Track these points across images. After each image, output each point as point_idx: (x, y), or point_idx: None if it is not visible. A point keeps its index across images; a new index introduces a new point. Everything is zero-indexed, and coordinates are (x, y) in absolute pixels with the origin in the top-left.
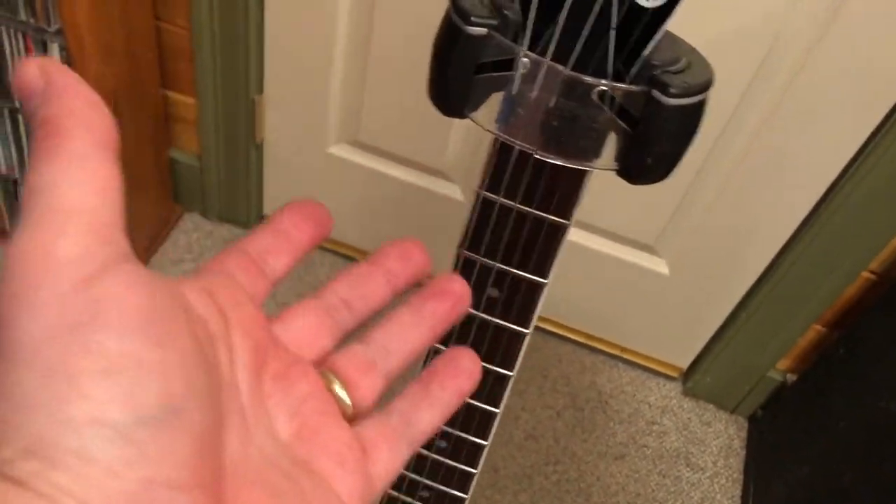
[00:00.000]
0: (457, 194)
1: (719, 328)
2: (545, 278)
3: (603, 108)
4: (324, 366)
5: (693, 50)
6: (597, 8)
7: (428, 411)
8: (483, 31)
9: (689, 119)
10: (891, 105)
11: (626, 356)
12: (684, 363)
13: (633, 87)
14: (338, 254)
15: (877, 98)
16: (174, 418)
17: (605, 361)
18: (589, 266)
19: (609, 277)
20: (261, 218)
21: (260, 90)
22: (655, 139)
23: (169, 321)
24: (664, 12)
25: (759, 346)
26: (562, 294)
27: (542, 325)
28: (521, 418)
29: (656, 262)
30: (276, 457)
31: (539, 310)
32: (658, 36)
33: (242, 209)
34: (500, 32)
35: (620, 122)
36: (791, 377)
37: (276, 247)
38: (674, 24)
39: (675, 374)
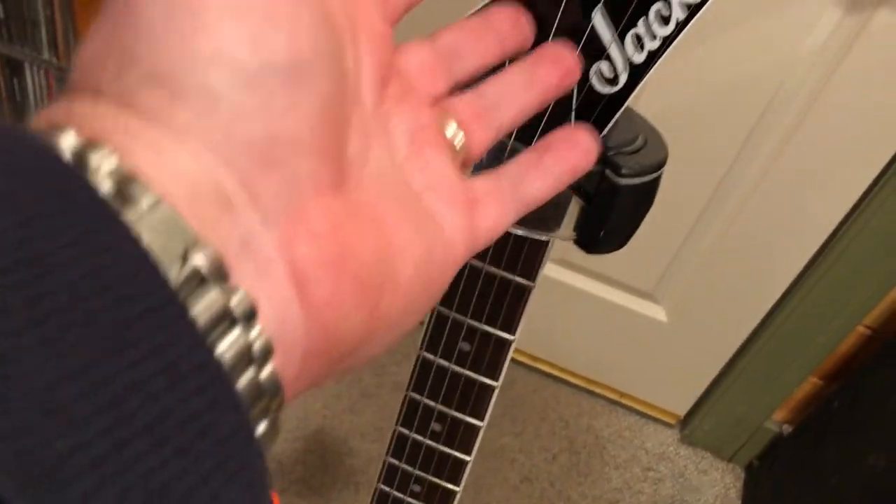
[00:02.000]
0: None
1: (717, 377)
2: (512, 335)
3: None
4: (441, 105)
5: (651, 128)
6: None
7: (540, 181)
8: None
9: (641, 197)
10: (888, 159)
11: (624, 401)
12: (682, 410)
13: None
14: None
15: (874, 152)
16: (301, 75)
17: (604, 406)
18: (588, 311)
19: (608, 323)
20: None
21: None
22: (609, 215)
23: None
24: (620, 98)
25: (755, 395)
26: (561, 337)
27: (541, 367)
28: (517, 461)
29: (655, 310)
30: (393, 174)
31: (507, 363)
32: (614, 119)
33: None
34: None
35: (577, 198)
36: (787, 428)
37: (473, 48)
38: (635, 100)
39: (672, 421)
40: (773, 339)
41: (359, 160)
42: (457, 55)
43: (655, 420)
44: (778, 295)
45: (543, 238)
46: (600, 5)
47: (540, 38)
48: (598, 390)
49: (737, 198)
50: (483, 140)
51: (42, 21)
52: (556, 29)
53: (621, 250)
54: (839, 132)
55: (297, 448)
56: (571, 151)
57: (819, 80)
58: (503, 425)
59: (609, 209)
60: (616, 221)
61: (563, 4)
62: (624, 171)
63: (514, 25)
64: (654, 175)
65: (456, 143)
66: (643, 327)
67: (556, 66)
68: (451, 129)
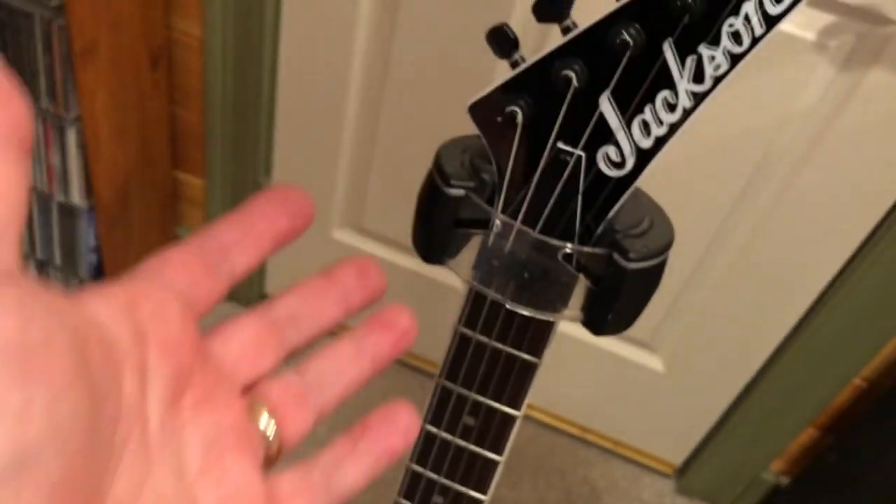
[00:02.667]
0: (459, 282)
1: (713, 427)
2: (518, 410)
3: (568, 267)
4: (256, 392)
5: (657, 209)
6: (565, 175)
7: (354, 469)
8: (461, 192)
9: (648, 280)
10: (881, 215)
11: (620, 450)
12: (678, 460)
13: (596, 250)
14: (334, 334)
15: (868, 208)
16: (22, 470)
17: (600, 455)
18: (585, 359)
19: (604, 372)
20: (262, 297)
21: (268, 172)
22: (616, 297)
23: (42, 354)
24: (627, 180)
25: (752, 446)
26: (557, 386)
27: (537, 415)
28: None
29: (652, 359)
30: (176, 499)
31: (513, 438)
32: (621, 201)
33: (244, 288)
34: (477, 193)
35: (585, 280)
36: (784, 480)
37: (242, 240)
38: (644, 181)
39: (669, 471)
40: (769, 389)
41: (129, 497)
42: (294, 321)
43: (652, 470)
44: (774, 346)
45: (549, 319)
46: (608, 91)
47: (546, 128)
48: (594, 439)
49: (732, 250)
50: (301, 426)
51: (41, 70)
52: (564, 114)
53: None
54: (833, 188)
55: None
56: (389, 434)
57: (812, 137)
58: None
59: (617, 293)
60: (623, 304)
61: (571, 90)
62: (632, 255)
63: (360, 279)
64: (661, 258)
65: (268, 433)
66: (640, 377)
67: (389, 333)
68: (264, 420)
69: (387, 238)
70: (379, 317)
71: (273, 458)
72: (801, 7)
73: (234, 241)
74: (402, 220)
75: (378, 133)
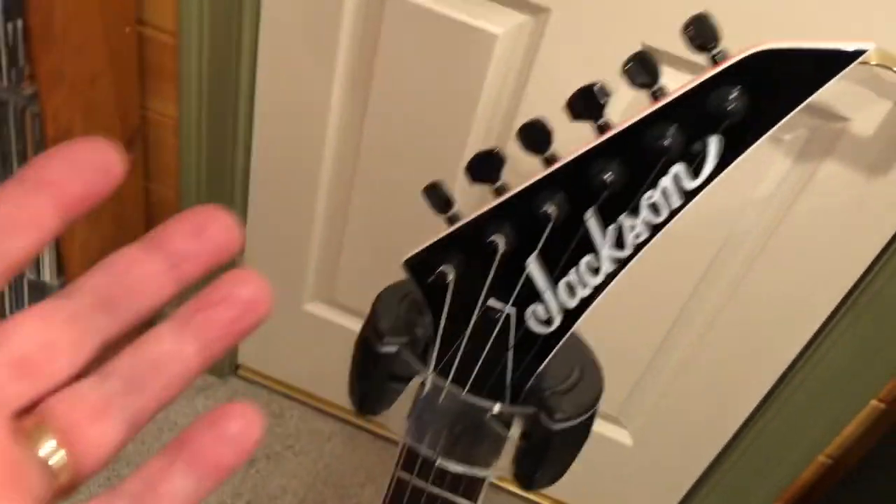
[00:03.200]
0: None
1: (681, 500)
2: None
3: (497, 425)
4: (39, 411)
5: (587, 356)
6: (495, 332)
7: (170, 493)
8: (393, 349)
9: (576, 436)
10: (840, 297)
11: None
12: None
13: (522, 410)
14: (308, 405)
15: (827, 290)
16: None
17: None
18: None
19: None
20: (236, 367)
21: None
22: (544, 456)
23: None
24: (555, 338)
25: None
26: None
27: (509, 487)
28: None
29: (619, 433)
30: None
31: None
32: (549, 357)
33: (216, 362)
34: (411, 347)
35: (513, 438)
36: None
37: (14, 218)
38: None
39: None
40: (736, 464)
41: None
42: (106, 305)
43: None
44: (740, 422)
45: (479, 475)
46: (535, 254)
47: (477, 283)
48: None
49: (697, 327)
50: (103, 444)
51: (14, 155)
52: (494, 274)
53: None
54: (793, 269)
55: None
56: (216, 446)
57: (770, 222)
58: None
59: (545, 451)
60: (552, 461)
61: (499, 256)
62: (558, 415)
63: (196, 237)
64: (588, 415)
65: (53, 462)
66: (609, 450)
67: (224, 308)
68: (46, 447)
69: (360, 311)
70: (212, 290)
71: (65, 490)
72: None
73: (5, 220)
74: (375, 292)
75: (350, 207)
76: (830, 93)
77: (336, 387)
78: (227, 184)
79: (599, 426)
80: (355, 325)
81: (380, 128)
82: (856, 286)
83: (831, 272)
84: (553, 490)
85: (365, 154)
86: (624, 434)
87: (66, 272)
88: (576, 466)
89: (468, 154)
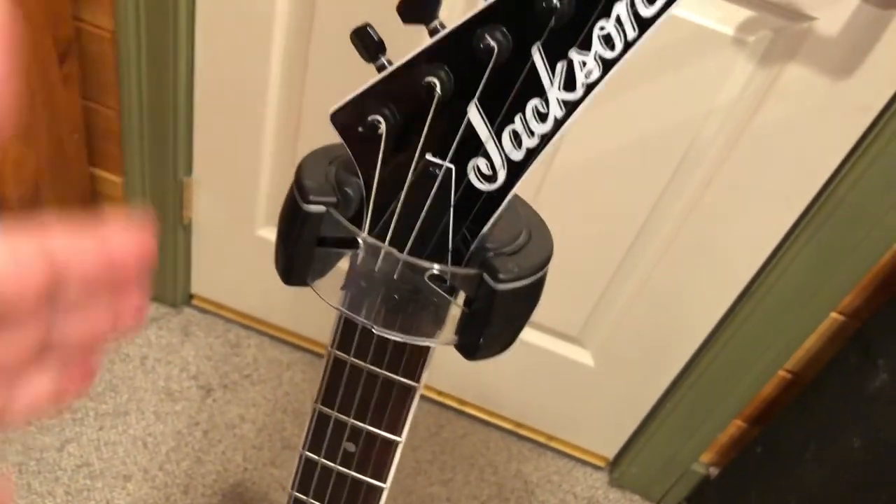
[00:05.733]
0: None
1: (644, 419)
2: (399, 436)
3: (438, 289)
4: None
5: (537, 221)
6: (434, 189)
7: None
8: (321, 209)
9: (522, 301)
10: (803, 208)
11: (553, 444)
12: (610, 453)
13: (464, 271)
14: (265, 334)
15: (789, 201)
16: None
17: (533, 449)
18: (516, 355)
19: (535, 367)
20: (189, 297)
21: (188, 172)
22: (488, 320)
23: None
24: (499, 194)
25: (682, 438)
26: (489, 381)
27: (469, 410)
28: None
29: (581, 354)
30: None
31: (395, 464)
32: (494, 216)
33: (170, 288)
34: (340, 209)
35: (456, 303)
36: (714, 471)
37: None
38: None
39: (601, 464)
40: (697, 382)
41: None
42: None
43: (584, 463)
44: (702, 338)
45: (422, 344)
46: (475, 99)
47: (413, 137)
48: (526, 434)
49: (657, 245)
50: None
51: None
52: (430, 124)
53: (548, 294)
54: (755, 181)
55: (216, 503)
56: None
57: (733, 131)
58: (432, 473)
59: (489, 315)
60: (496, 327)
61: (436, 99)
62: (501, 275)
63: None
64: (536, 277)
65: None
66: (570, 372)
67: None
68: None
69: None
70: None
71: None
72: (717, 1)
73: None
74: None
75: (300, 127)
76: None
77: (294, 315)
78: (169, 104)
79: (561, 347)
80: None
81: (329, 37)
82: (817, 198)
83: (792, 183)
84: (518, 413)
85: (313, 69)
86: (586, 355)
87: None
88: (539, 389)
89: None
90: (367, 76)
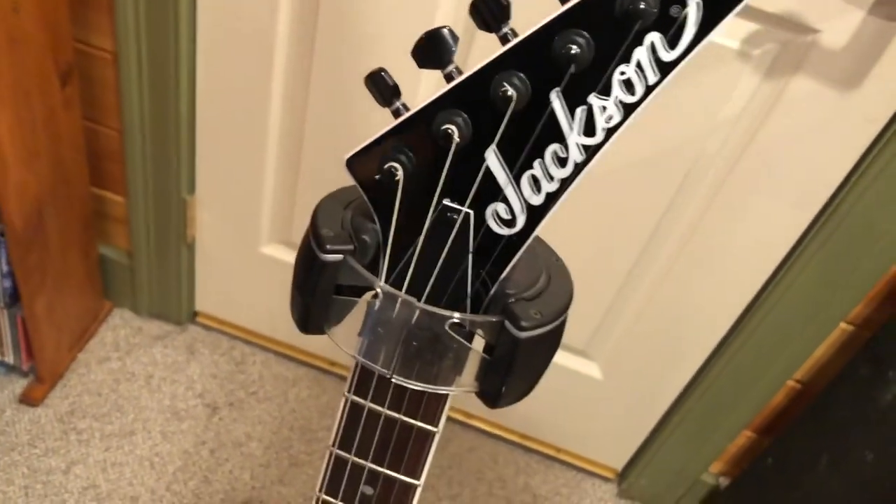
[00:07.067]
0: None
1: (653, 430)
2: (417, 479)
3: (458, 337)
4: None
5: (555, 261)
6: (453, 235)
7: None
8: (338, 257)
9: (544, 346)
10: (809, 220)
11: (561, 457)
12: (619, 464)
13: (486, 319)
14: (270, 351)
15: (796, 213)
16: None
17: (541, 462)
18: None
19: (543, 379)
20: (194, 315)
21: (191, 190)
22: (511, 369)
23: None
24: (519, 239)
25: (691, 449)
26: None
27: (478, 424)
28: None
29: (589, 366)
30: None
31: None
32: (513, 261)
33: (174, 306)
34: (357, 257)
35: (477, 351)
36: (724, 481)
37: None
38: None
39: (610, 476)
40: (706, 392)
41: None
42: None
43: (593, 475)
44: (710, 349)
45: (442, 392)
46: (494, 145)
47: (430, 185)
48: (534, 446)
49: (664, 257)
50: None
51: None
52: (449, 170)
53: None
54: (762, 193)
55: None
56: None
57: (738, 144)
58: (440, 488)
59: (511, 363)
60: (519, 375)
61: (454, 146)
62: (524, 323)
63: None
64: (558, 322)
65: None
66: (578, 384)
67: None
68: None
69: None
70: None
71: None
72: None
73: None
74: None
75: (303, 144)
76: (800, 2)
77: (298, 331)
78: (171, 122)
79: (569, 360)
80: None
81: (329, 62)
82: (825, 208)
83: (799, 195)
84: (526, 426)
85: (315, 89)
86: (593, 367)
87: (2, 220)
88: (547, 402)
89: (423, 90)
90: (368, 97)
